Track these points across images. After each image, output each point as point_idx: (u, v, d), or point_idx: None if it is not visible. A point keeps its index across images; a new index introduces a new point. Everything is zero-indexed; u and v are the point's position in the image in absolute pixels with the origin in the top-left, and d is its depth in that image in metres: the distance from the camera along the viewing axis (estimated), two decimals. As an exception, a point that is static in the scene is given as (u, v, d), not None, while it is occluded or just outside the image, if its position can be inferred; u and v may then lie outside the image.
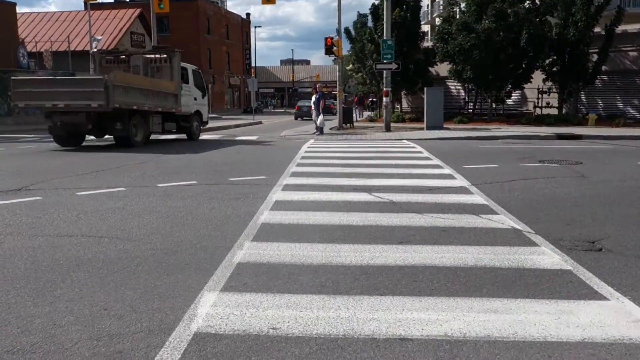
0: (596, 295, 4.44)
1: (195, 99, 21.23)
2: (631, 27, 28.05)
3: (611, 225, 6.82)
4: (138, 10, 48.54)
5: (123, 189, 9.52)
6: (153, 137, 21.02)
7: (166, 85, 18.83)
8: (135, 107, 17.15)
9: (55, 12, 51.37)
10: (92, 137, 19.44)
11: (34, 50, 40.95)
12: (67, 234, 6.41)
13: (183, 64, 19.98)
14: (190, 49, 57.60)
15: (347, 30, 36.34)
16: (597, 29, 27.72)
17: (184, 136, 21.59)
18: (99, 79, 16.31)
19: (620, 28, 27.36)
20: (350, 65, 39.40)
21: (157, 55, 19.97)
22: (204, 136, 23.42)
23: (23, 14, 47.37)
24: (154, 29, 29.42)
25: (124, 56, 20.44)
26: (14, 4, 38.91)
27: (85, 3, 36.63)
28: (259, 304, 4.23)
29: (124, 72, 18.43)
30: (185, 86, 20.16)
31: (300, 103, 47.22)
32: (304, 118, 42.07)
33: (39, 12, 51.68)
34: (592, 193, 9.09)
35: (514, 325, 3.84)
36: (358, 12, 42.10)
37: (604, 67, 28.38)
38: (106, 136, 19.16)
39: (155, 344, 3.56)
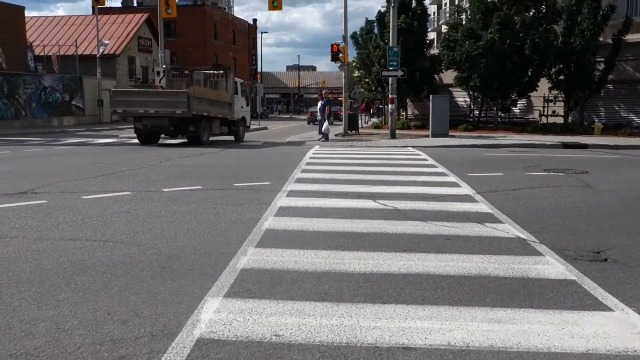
0: (601, 306, 4.42)
1: (242, 107, 24.65)
2: (637, 37, 27.98)
3: (616, 235, 6.79)
4: (145, 15, 48.78)
5: (128, 193, 9.55)
6: (162, 141, 21.31)
7: (224, 96, 22.39)
8: (205, 114, 20.58)
9: (63, 16, 51.70)
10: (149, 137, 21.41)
11: (41, 54, 41.20)
12: (72, 238, 6.43)
13: (235, 79, 23.80)
14: (197, 54, 57.94)
15: (354, 36, 36.40)
16: (605, 38, 27.66)
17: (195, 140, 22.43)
18: (183, 91, 20.03)
19: (630, 37, 27.29)
20: (356, 72, 39.43)
21: (214, 72, 23.94)
22: (213, 140, 23.51)
23: (31, 17, 47.63)
24: (161, 34, 29.54)
25: (187, 71, 24.17)
26: (23, 8, 39.16)
27: (93, 7, 36.82)
28: (262, 311, 4.23)
29: (201, 87, 22.16)
30: (236, 97, 23.60)
31: (312, 109, 47.98)
32: (316, 123, 42.76)
33: (47, 16, 52.04)
34: (597, 203, 9.06)
35: (517, 336, 3.82)
36: (366, 18, 42.06)
37: (610, 76, 28.32)
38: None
39: (158, 349, 3.56)
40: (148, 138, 21.19)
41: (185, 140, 21.35)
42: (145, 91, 21.83)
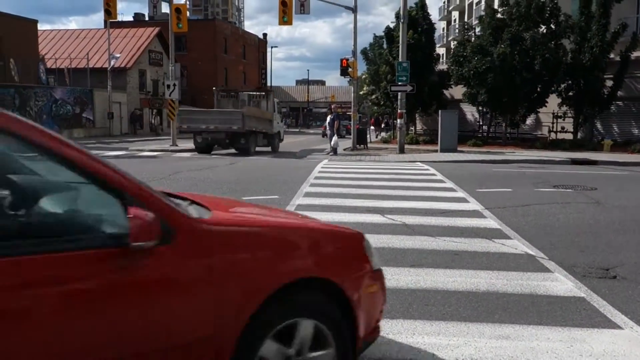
0: (610, 324, 4.39)
1: (277, 122, 27.62)
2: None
3: (626, 252, 6.75)
4: (157, 29, 49.24)
5: (137, 205, 9.58)
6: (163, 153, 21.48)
7: (267, 114, 25.68)
8: (253, 129, 23.69)
9: (75, 30, 52.33)
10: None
11: (53, 66, 41.64)
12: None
13: (273, 99, 27.49)
14: (207, 68, 58.38)
15: (364, 52, 36.57)
16: (614, 55, 27.66)
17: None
18: (238, 111, 23.68)
19: (635, 54, 27.27)
20: (365, 88, 39.53)
21: (257, 93, 29.00)
22: (223, 154, 23.64)
23: (44, 31, 48.24)
24: (172, 48, 29.77)
25: (233, 92, 28.71)
26: (36, 22, 39.73)
27: (105, 21, 37.29)
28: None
29: (251, 107, 26.10)
30: (273, 114, 26.59)
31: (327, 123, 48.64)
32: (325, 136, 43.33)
33: (59, 30, 52.65)
34: (606, 219, 9.02)
35: (526, 353, 3.81)
36: (374, 34, 42.27)
37: (619, 93, 28.26)
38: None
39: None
40: (204, 150, 24.18)
41: (234, 150, 24.19)
42: (206, 110, 26.47)
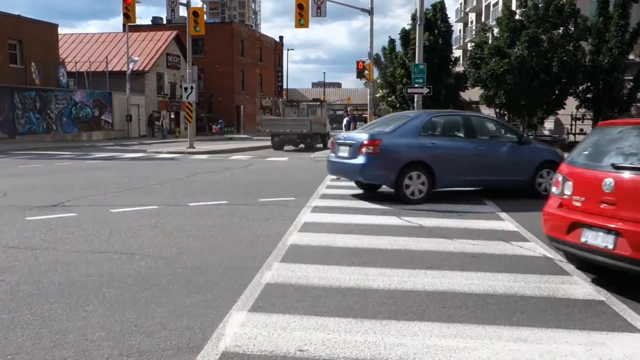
0: (630, 328, 4.34)
1: (326, 125, 34.15)
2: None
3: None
4: (174, 33, 49.63)
5: (155, 207, 9.68)
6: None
7: (322, 120, 32.98)
8: (315, 131, 30.09)
9: (94, 34, 52.92)
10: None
11: (73, 70, 42.13)
12: (100, 250, 6.54)
13: (326, 106, 35.27)
14: (224, 71, 58.64)
15: (376, 58, 36.49)
16: (633, 56, 27.33)
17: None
18: (307, 119, 30.59)
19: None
20: (380, 92, 39.44)
21: (313, 103, 37.23)
22: (239, 156, 23.72)
23: (64, 35, 48.80)
24: (189, 51, 29.99)
25: (295, 102, 37.17)
26: (56, 26, 40.22)
27: (123, 25, 37.64)
28: (286, 325, 4.25)
29: (315, 115, 32.68)
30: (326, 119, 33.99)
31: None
32: None
33: (79, 34, 53.27)
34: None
35: (544, 356, 3.78)
36: (389, 37, 42.32)
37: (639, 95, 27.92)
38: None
39: (183, 362, 3.60)
40: (278, 147, 30.47)
41: (302, 147, 30.36)
42: (283, 118, 33.04)
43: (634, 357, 3.79)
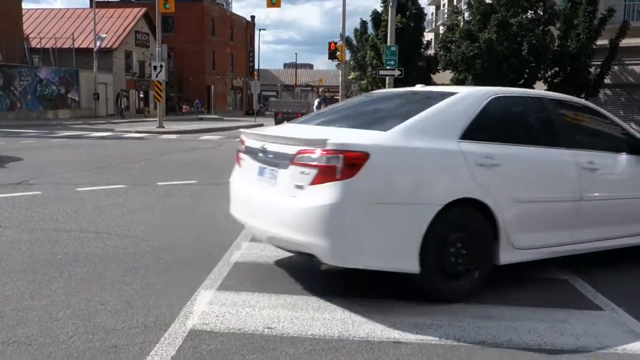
0: (591, 305, 4.45)
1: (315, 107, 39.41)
2: (637, 41, 27.96)
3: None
4: (143, 10, 48.61)
5: (123, 186, 9.54)
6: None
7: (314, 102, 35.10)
8: (305, 112, 31.60)
9: (60, 9, 51.54)
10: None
11: (38, 46, 41.03)
12: (65, 229, 6.43)
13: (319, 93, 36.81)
14: (194, 50, 57.80)
15: (348, 40, 36.30)
16: (602, 42, 27.70)
17: None
18: (305, 101, 36.97)
19: (626, 42, 27.30)
20: (352, 74, 39.53)
21: (305, 88, 44.79)
22: (209, 137, 23.50)
23: (28, 10, 47.45)
24: (158, 29, 29.44)
25: (290, 87, 45.71)
26: (20, 0, 39.01)
27: (90, 1, 36.73)
28: (254, 304, 4.24)
29: (309, 99, 37.43)
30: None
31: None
32: None
33: (44, 9, 51.88)
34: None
35: (508, 332, 3.85)
36: (360, 19, 42.70)
37: (609, 81, 28.37)
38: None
39: (150, 340, 3.57)
40: (278, 123, 36.58)
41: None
42: (287, 101, 39.69)
43: (594, 333, 3.89)
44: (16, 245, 5.67)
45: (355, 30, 36.86)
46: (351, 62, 37.41)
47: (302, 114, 31.49)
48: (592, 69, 28.21)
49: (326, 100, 26.20)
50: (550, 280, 5.04)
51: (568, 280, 5.05)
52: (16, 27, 37.72)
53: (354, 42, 36.31)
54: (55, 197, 8.33)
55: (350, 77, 41.73)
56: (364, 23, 36.26)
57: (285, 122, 34.10)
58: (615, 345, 3.69)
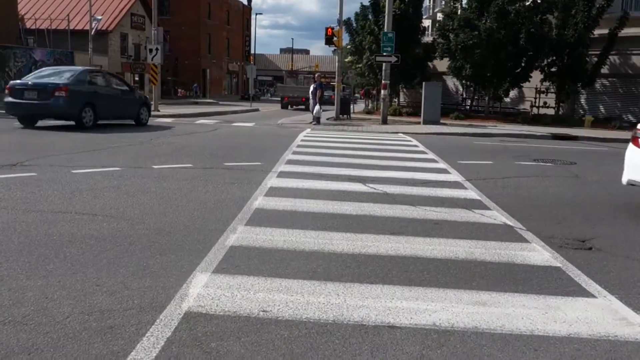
0: (584, 293, 4.49)
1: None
2: (635, 31, 27.94)
3: (602, 225, 6.88)
4: (139, -8, 48.20)
5: (118, 168, 9.51)
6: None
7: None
8: (308, 97, 31.06)
9: (55, -10, 50.90)
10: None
11: (33, 27, 40.66)
12: (61, 211, 6.42)
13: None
14: (190, 33, 57.41)
15: (347, 22, 36.12)
16: (600, 31, 27.66)
17: None
18: (306, 87, 36.97)
19: (625, 31, 27.27)
20: (349, 57, 39.45)
21: (309, 75, 52.05)
22: (205, 121, 23.42)
23: (23, -10, 46.87)
24: (154, 11, 29.23)
25: (294, 74, 58.16)
26: (14, -20, 38.56)
27: (86, -19, 36.36)
28: (250, 287, 4.26)
29: (310, 85, 37.72)
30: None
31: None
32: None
33: (39, -11, 51.18)
34: (584, 193, 9.16)
35: (501, 318, 3.88)
36: (361, 3, 43.02)
37: (606, 70, 28.38)
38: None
39: (146, 321, 3.59)
40: (284, 107, 41.25)
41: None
42: (292, 86, 45.74)
43: (586, 320, 3.93)
44: (11, 226, 5.66)
45: (356, 14, 36.74)
46: (348, 46, 37.32)
47: (306, 99, 32.65)
48: (588, 59, 28.21)
49: (322, 86, 26.13)
50: (543, 268, 5.07)
51: (561, 267, 5.09)
52: (10, 7, 37.30)
53: (354, 24, 36.15)
54: (50, 179, 8.31)
55: (346, 60, 41.64)
56: (364, 8, 36.13)
57: (289, 106, 38.44)
58: (607, 332, 3.73)
